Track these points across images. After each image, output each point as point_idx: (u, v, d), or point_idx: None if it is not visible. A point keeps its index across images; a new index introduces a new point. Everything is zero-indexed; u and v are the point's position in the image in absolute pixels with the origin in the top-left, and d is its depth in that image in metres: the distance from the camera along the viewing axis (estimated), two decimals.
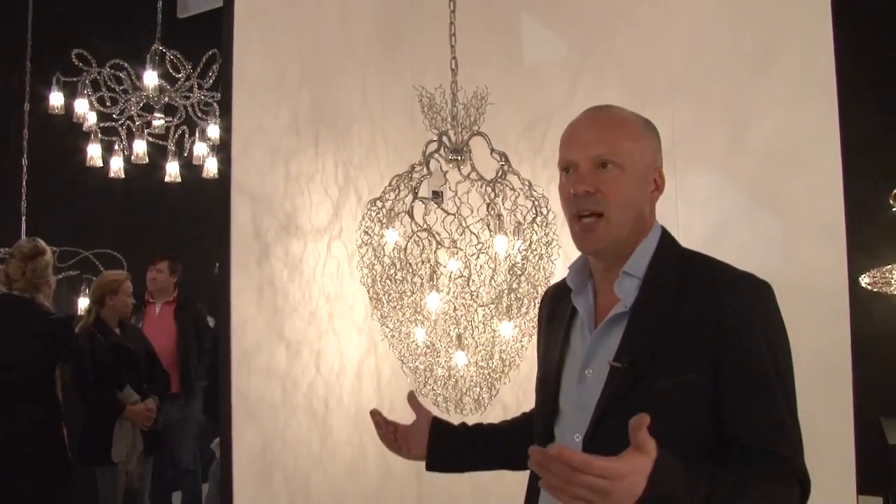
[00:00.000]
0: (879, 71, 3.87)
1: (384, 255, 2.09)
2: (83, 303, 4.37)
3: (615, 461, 0.95)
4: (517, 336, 2.09)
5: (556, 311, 1.37)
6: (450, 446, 1.53)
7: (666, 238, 1.27)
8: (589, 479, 0.93)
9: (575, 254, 1.34)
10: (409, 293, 2.07)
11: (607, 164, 1.21)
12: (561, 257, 2.10)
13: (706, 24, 2.37)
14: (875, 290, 3.65)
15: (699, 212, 2.33)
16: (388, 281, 2.09)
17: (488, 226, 2.06)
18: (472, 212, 2.11)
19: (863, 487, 2.10)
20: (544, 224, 2.08)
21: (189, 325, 4.42)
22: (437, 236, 2.06)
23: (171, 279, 4.45)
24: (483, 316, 2.08)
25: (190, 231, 4.99)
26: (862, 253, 3.64)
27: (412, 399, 1.58)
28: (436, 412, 2.31)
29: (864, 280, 3.63)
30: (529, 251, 2.05)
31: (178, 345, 4.33)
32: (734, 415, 1.14)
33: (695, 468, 1.06)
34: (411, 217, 2.07)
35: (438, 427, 1.53)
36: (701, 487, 1.03)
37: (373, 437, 2.64)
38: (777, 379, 1.15)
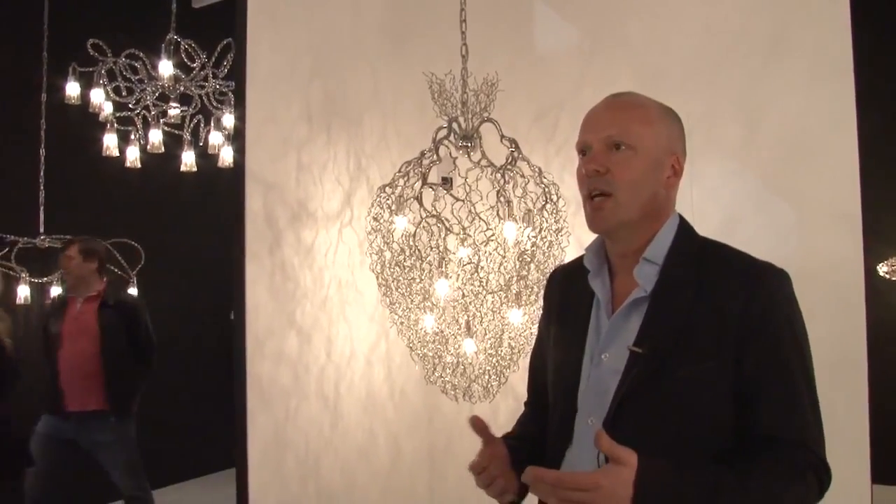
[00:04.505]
0: None
1: (393, 241, 2.09)
2: None
3: (592, 474, 1.00)
4: (526, 323, 2.08)
5: (571, 295, 1.35)
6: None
7: (684, 226, 1.27)
8: (567, 494, 0.98)
9: (586, 240, 1.34)
10: (418, 280, 2.07)
11: (620, 146, 1.21)
12: (571, 244, 2.09)
13: (718, 10, 2.34)
14: (893, 278, 3.60)
15: (713, 200, 2.30)
16: (397, 267, 2.10)
17: (498, 212, 2.05)
18: (481, 198, 2.10)
19: (877, 476, 2.09)
20: (554, 211, 2.07)
21: (117, 325, 3.57)
22: (446, 223, 2.06)
23: (87, 266, 3.59)
24: (492, 303, 2.08)
25: (205, 220, 5.02)
26: (880, 242, 3.59)
27: (481, 424, 1.26)
28: (444, 399, 2.34)
29: (882, 269, 3.59)
30: (539, 238, 2.05)
31: (103, 351, 3.51)
32: (756, 403, 1.13)
33: (695, 468, 1.06)
34: (420, 203, 2.06)
35: (513, 452, 1.29)
36: (702, 488, 1.04)
37: (383, 421, 2.69)
38: (801, 368, 1.15)
